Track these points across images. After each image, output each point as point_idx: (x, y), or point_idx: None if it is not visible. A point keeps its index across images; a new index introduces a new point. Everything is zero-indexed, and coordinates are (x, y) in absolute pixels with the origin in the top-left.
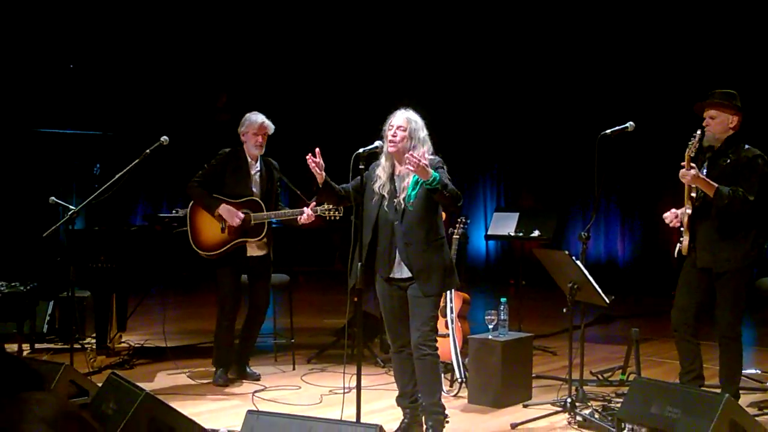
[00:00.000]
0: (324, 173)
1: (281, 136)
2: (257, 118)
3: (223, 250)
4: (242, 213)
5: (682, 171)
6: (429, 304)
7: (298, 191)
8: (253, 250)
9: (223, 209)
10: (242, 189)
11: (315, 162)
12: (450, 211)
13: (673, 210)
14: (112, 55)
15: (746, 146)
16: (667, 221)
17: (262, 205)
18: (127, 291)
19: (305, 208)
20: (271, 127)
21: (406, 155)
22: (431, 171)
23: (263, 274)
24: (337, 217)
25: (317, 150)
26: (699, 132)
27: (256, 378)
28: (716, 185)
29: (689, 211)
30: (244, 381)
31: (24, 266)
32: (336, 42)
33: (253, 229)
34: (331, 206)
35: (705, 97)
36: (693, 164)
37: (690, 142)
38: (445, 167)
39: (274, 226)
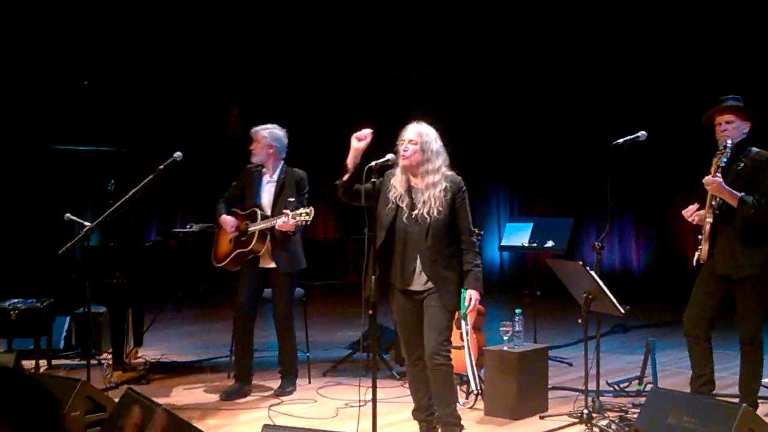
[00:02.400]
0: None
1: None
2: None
3: (226, 261)
4: (243, 224)
5: (708, 179)
6: (446, 315)
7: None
8: (265, 262)
9: (221, 219)
10: (252, 200)
11: (362, 138)
12: None
13: (691, 207)
14: (126, 72)
15: (755, 149)
16: (687, 216)
17: (258, 215)
18: (142, 306)
19: (284, 213)
20: (259, 134)
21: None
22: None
23: (277, 286)
24: (308, 222)
25: (371, 131)
26: (730, 142)
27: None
28: (740, 195)
29: (710, 220)
30: (261, 395)
31: (40, 283)
32: (346, 53)
33: (245, 240)
34: (302, 211)
35: (713, 106)
36: (719, 174)
37: (719, 151)
38: (466, 196)
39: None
